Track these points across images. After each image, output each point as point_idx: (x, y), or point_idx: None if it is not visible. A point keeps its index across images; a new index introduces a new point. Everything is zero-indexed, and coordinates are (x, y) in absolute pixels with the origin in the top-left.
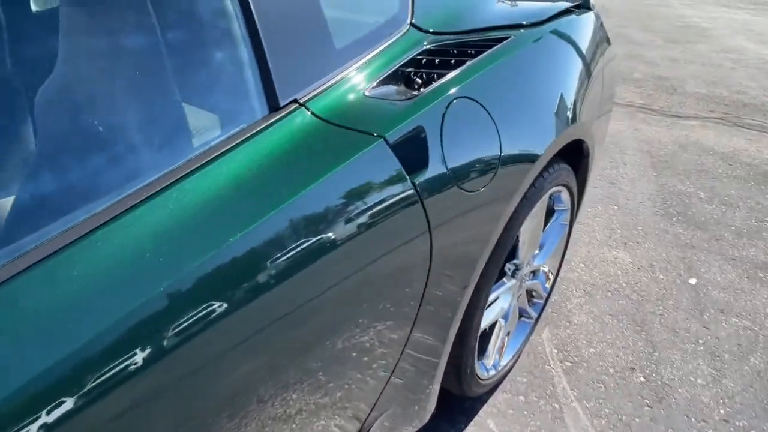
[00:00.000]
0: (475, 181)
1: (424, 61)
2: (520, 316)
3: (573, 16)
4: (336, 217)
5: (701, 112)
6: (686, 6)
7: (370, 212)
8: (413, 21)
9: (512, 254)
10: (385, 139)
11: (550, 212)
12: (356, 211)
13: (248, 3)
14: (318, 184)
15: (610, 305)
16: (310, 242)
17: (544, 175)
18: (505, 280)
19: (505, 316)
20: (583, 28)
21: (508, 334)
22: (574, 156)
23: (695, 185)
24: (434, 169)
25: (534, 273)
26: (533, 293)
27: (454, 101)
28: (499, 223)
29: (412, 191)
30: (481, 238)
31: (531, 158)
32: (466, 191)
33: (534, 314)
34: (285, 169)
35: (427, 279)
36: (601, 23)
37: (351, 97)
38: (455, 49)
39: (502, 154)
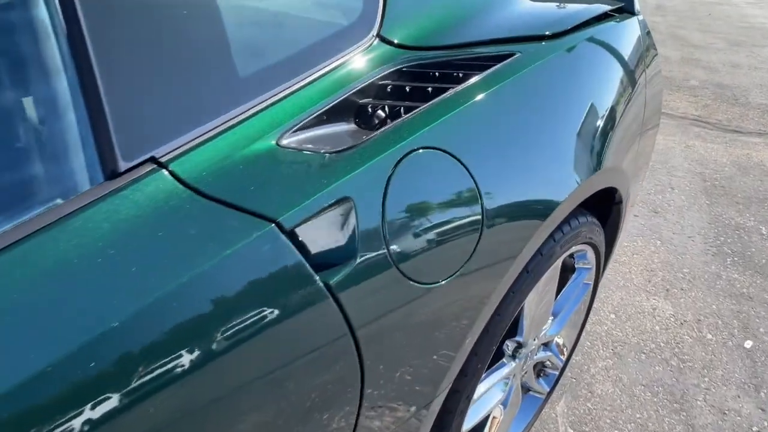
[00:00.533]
0: (437, 268)
1: (389, 88)
2: (528, 390)
3: (609, 24)
4: (198, 337)
5: (767, 127)
6: (752, 5)
7: (252, 326)
8: (381, 31)
9: (513, 328)
10: (278, 224)
11: (570, 269)
12: (230, 328)
13: (74, 8)
14: (161, 296)
15: (644, 372)
16: (151, 372)
17: (555, 238)
18: (504, 360)
19: (504, 403)
20: (621, 38)
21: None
22: (603, 201)
23: (756, 218)
24: (366, 258)
25: (546, 344)
26: (546, 363)
27: (412, 155)
28: (482, 312)
29: (317, 290)
30: (452, 336)
31: (531, 226)
32: (421, 283)
33: (545, 389)
34: (112, 267)
35: (361, 400)
36: (648, 31)
37: (251, 149)
38: (437, 72)
39: (485, 229)
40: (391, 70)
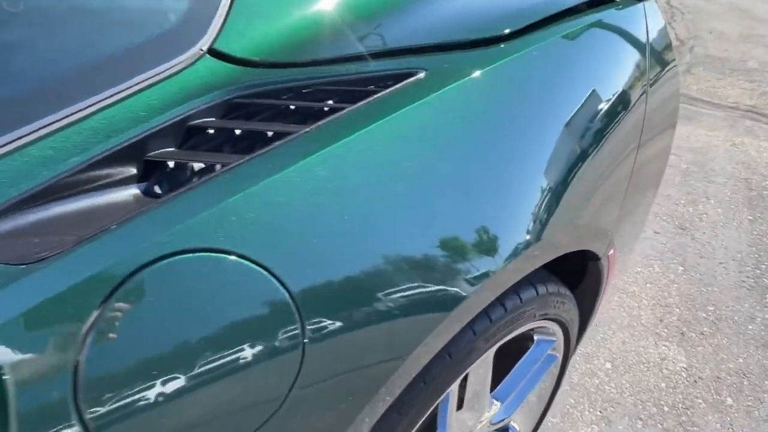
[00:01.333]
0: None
1: (210, 131)
2: None
3: (608, 12)
4: None
5: None
6: None
7: None
8: (217, 42)
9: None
10: None
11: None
12: None
13: None
14: None
15: None
16: None
17: (475, 329)
18: None
19: None
20: (612, 37)
21: None
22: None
23: None
24: None
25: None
26: None
27: (161, 265)
28: None
29: None
30: None
31: (423, 326)
32: None
33: None
34: None
35: None
36: (658, 17)
37: None
38: (292, 104)
39: (307, 362)
40: (220, 101)
